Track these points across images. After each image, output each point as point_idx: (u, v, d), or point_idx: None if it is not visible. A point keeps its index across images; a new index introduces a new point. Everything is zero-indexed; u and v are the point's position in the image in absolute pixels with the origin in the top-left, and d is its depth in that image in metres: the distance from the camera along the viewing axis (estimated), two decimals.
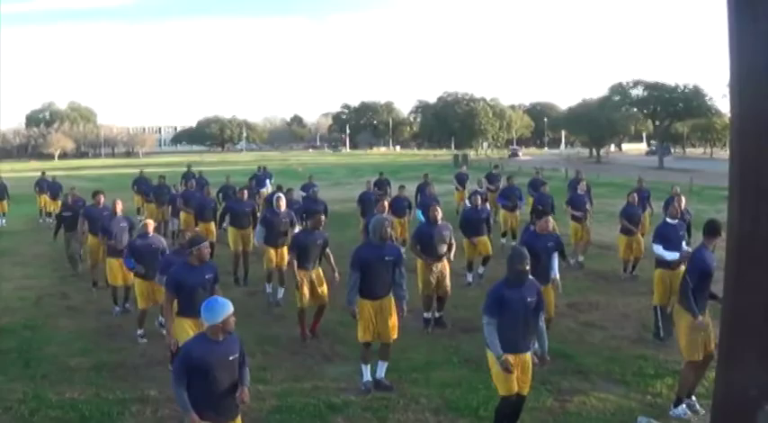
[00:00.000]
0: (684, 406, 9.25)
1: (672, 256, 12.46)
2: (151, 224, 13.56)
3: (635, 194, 18.57)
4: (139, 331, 12.91)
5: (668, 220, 13.25)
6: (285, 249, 14.63)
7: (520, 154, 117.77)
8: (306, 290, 12.51)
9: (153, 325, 13.14)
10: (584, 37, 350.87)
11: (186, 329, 9.24)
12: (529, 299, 8.05)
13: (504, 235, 22.04)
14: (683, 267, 12.49)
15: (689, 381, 9.40)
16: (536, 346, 8.49)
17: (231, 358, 6.54)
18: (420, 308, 13.45)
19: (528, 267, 8.08)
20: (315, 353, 11.98)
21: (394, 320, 10.32)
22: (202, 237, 10.29)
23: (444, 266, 13.46)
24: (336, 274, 12.71)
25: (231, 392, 6.56)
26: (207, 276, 9.56)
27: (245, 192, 19.24)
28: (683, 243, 13.13)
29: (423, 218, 16.89)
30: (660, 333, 12.60)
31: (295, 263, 12.55)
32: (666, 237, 12.77)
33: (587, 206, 20.09)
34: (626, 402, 9.69)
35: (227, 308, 6.51)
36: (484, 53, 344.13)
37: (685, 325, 9.36)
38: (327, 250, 12.79)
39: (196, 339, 6.70)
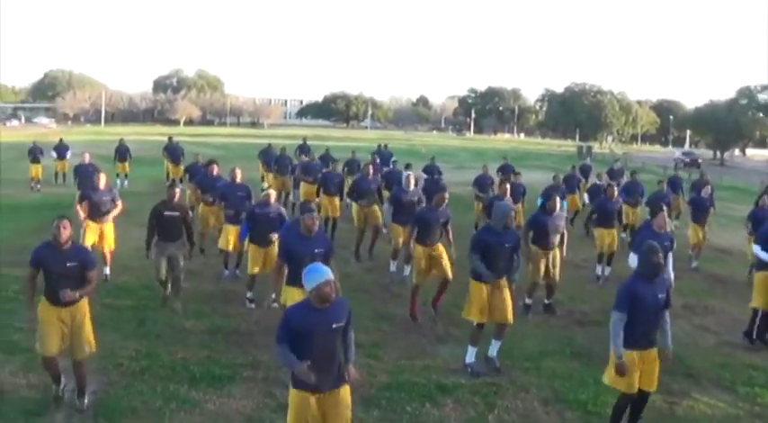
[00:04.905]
0: None
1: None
2: (273, 194, 13.49)
3: (766, 198, 17.87)
4: (249, 294, 13.05)
5: None
6: None
7: (700, 160, 76.33)
8: (422, 266, 12.61)
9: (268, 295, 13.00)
10: (714, 36, 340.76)
11: (294, 298, 9.18)
12: (660, 295, 7.96)
13: (624, 230, 21.67)
14: None
15: None
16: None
17: (335, 326, 6.41)
18: (535, 297, 13.51)
19: (663, 260, 7.97)
20: (428, 333, 12.04)
21: (510, 301, 10.25)
22: (311, 207, 10.11)
23: (555, 255, 13.39)
24: (453, 251, 12.83)
25: (333, 360, 6.45)
26: (317, 250, 9.36)
27: (371, 167, 18.79)
28: None
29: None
30: (753, 334, 12.39)
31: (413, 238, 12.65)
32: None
33: (711, 210, 19.62)
34: (734, 411, 9.55)
35: (322, 275, 6.34)
36: (613, 45, 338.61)
37: None
38: (448, 227, 12.80)
39: (298, 305, 6.65)
